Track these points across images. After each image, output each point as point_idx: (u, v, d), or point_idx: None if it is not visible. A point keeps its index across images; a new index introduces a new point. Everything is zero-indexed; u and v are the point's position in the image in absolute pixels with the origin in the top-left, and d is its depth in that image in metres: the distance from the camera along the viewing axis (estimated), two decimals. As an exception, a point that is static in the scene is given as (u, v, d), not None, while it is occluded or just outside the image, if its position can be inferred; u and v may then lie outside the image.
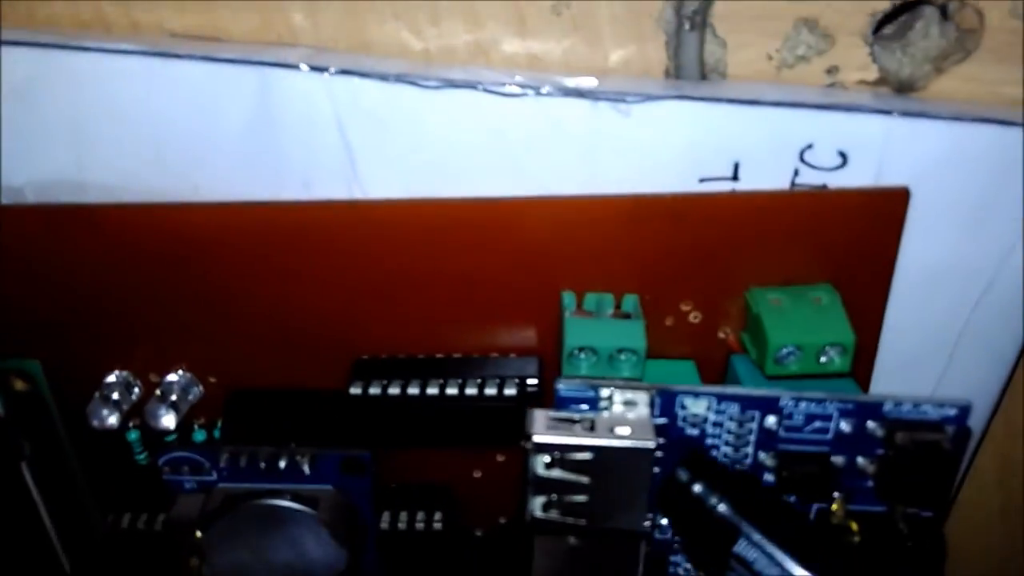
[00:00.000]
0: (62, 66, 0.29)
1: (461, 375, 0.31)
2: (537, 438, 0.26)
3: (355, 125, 0.29)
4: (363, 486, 0.31)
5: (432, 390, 0.31)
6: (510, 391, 0.31)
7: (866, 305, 0.30)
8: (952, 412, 0.27)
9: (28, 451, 0.31)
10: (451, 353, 0.33)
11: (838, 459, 0.27)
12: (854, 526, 0.28)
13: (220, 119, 0.29)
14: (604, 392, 0.27)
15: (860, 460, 0.28)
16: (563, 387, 0.27)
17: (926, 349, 0.32)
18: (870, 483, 0.28)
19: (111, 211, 0.30)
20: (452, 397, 0.31)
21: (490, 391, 0.31)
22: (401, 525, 0.34)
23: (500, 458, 0.35)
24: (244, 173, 0.30)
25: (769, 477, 0.28)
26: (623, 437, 0.26)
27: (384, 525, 0.34)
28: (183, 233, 0.30)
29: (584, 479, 0.26)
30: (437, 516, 0.34)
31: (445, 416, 0.31)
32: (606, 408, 0.27)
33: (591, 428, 0.26)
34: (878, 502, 0.28)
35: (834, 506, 0.28)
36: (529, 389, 0.31)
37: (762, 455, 0.28)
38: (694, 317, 0.31)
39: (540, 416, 0.26)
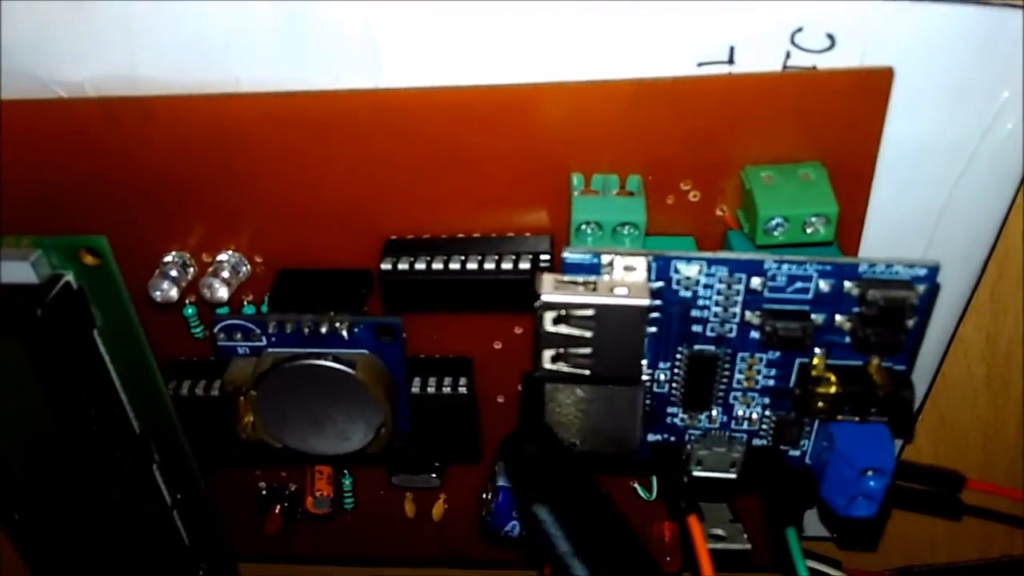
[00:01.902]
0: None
1: (480, 252, 0.35)
2: (545, 297, 0.29)
3: (380, 18, 0.32)
4: (395, 351, 0.35)
5: (454, 265, 0.34)
6: (524, 265, 0.34)
7: (853, 181, 0.33)
8: (922, 272, 0.29)
9: (99, 321, 0.35)
10: (471, 233, 0.36)
11: (818, 317, 0.30)
12: (832, 377, 0.31)
13: (256, 16, 0.32)
14: (606, 259, 0.30)
15: (838, 317, 0.30)
16: (569, 255, 0.30)
17: (911, 223, 0.35)
18: (847, 339, 0.31)
19: (162, 102, 0.33)
20: (472, 271, 0.34)
21: (506, 265, 0.34)
22: (430, 389, 0.38)
23: (518, 330, 0.38)
24: (280, 67, 0.33)
25: (755, 334, 0.31)
26: (620, 296, 0.29)
27: (414, 389, 0.38)
28: (226, 122, 0.33)
29: (587, 334, 0.30)
30: (462, 381, 0.38)
31: (466, 288, 0.35)
32: (607, 273, 0.30)
33: (593, 289, 0.29)
34: (854, 356, 0.31)
35: (815, 360, 0.31)
36: (541, 264, 0.34)
37: (748, 314, 0.31)
38: (693, 196, 0.34)
39: (548, 279, 0.30)
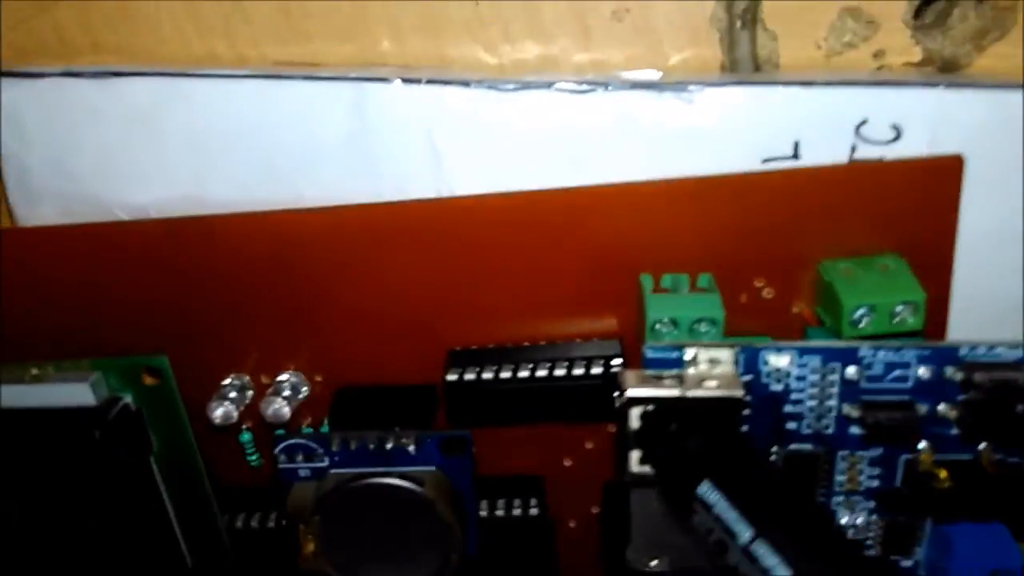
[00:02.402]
0: (181, 92, 0.32)
1: (548, 359, 0.33)
2: (630, 392, 0.28)
3: (442, 130, 0.32)
4: (464, 465, 0.33)
5: (523, 373, 0.33)
6: (596, 370, 0.33)
7: (933, 270, 0.32)
8: (1028, 353, 0.28)
9: (156, 446, 0.33)
10: (536, 342, 0.35)
11: (921, 407, 0.29)
12: (942, 473, 0.29)
13: (322, 132, 0.32)
14: (689, 353, 0.29)
15: (941, 407, 0.29)
16: (650, 349, 0.29)
17: (998, 309, 0.33)
18: (953, 430, 0.29)
19: (227, 220, 0.33)
20: (542, 379, 0.33)
21: (577, 371, 0.33)
22: (499, 512, 0.36)
23: (589, 445, 0.36)
24: (344, 181, 0.33)
25: (855, 429, 0.29)
26: (711, 388, 0.27)
27: (482, 513, 0.35)
28: (287, 237, 0.33)
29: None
30: (532, 502, 0.36)
31: (537, 396, 0.33)
32: (691, 368, 0.29)
33: (681, 382, 0.28)
34: (963, 449, 0.29)
35: (922, 455, 0.29)
36: (613, 368, 0.33)
37: (846, 407, 0.29)
38: (767, 293, 0.33)
39: (631, 374, 0.28)
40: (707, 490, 0.25)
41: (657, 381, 0.28)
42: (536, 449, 0.37)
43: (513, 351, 0.34)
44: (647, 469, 0.28)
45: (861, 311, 0.30)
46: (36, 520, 0.32)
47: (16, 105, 0.33)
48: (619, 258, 0.33)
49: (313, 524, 0.33)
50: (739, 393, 0.27)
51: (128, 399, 0.32)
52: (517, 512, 0.36)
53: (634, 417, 0.28)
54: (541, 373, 0.33)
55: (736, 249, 0.32)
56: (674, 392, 0.27)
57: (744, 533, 0.24)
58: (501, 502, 0.36)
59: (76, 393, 0.31)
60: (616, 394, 0.30)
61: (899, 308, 0.30)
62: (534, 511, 0.36)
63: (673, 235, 0.32)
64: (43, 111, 0.33)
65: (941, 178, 0.31)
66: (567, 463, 0.37)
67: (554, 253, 0.33)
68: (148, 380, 0.32)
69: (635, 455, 0.28)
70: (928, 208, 0.31)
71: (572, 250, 0.33)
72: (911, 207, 0.31)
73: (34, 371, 0.32)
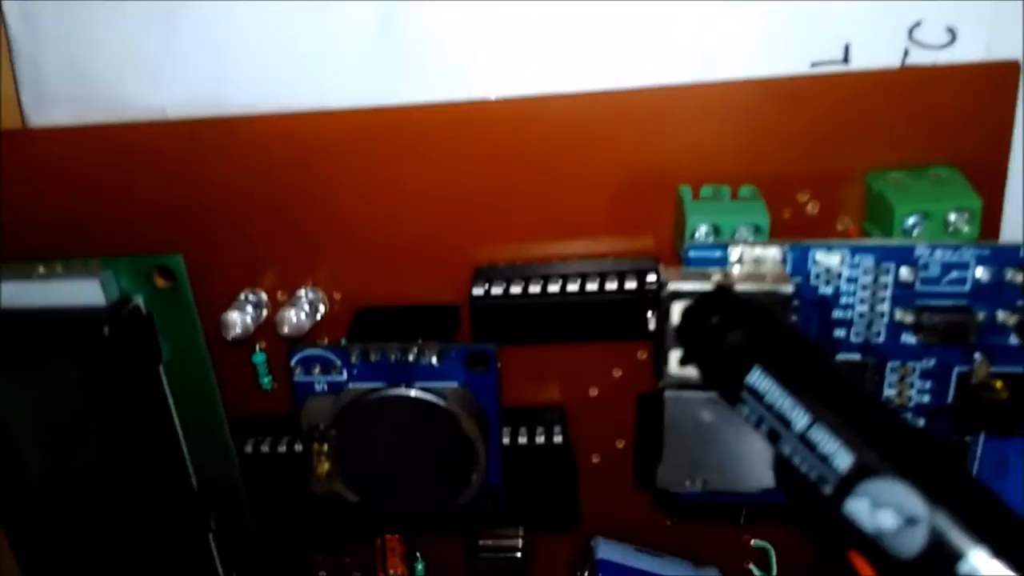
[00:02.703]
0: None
1: (579, 276, 0.32)
2: (672, 285, 0.26)
3: (472, 30, 0.31)
4: (488, 382, 0.32)
5: (553, 288, 0.31)
6: (630, 284, 0.31)
7: (987, 182, 0.30)
8: (1095, 253, 0.26)
9: (167, 354, 0.32)
10: (567, 260, 0.33)
11: (978, 313, 0.27)
12: (998, 384, 0.27)
13: (347, 32, 0.31)
14: (734, 251, 0.27)
15: (1000, 313, 0.27)
16: (692, 248, 0.27)
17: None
18: (1011, 339, 0.27)
19: (248, 122, 0.31)
20: (573, 294, 0.31)
21: (610, 286, 0.31)
22: (521, 439, 0.34)
23: (616, 373, 0.35)
24: (369, 83, 0.32)
25: (908, 338, 0.28)
26: (760, 282, 0.26)
27: (505, 440, 0.34)
28: (311, 141, 0.31)
29: (721, 330, 0.26)
30: (556, 430, 0.34)
31: (566, 313, 0.31)
32: (737, 266, 0.27)
33: (726, 277, 0.26)
34: (1020, 360, 0.28)
35: (977, 366, 0.28)
36: (648, 285, 0.31)
37: (899, 312, 0.27)
38: (812, 208, 0.31)
39: (674, 270, 0.27)
40: (758, 377, 0.23)
41: (701, 275, 0.26)
42: (561, 378, 0.35)
43: (542, 267, 0.33)
44: (686, 372, 0.27)
45: (914, 218, 0.28)
46: (36, 426, 0.31)
47: (29, 2, 0.32)
48: (657, 168, 0.31)
49: (329, 440, 0.31)
50: (789, 288, 0.26)
51: (139, 301, 0.31)
52: (540, 440, 0.34)
53: (675, 313, 0.26)
54: (572, 288, 0.31)
55: (780, 159, 0.31)
56: (719, 285, 0.26)
57: (800, 419, 0.22)
58: (523, 430, 0.34)
59: (85, 291, 0.30)
60: (654, 288, 0.29)
61: (953, 215, 0.28)
62: (557, 439, 0.34)
63: (714, 143, 0.31)
64: (57, 7, 0.32)
65: (997, 85, 0.30)
66: (592, 392, 0.35)
67: (589, 162, 0.31)
68: (161, 282, 0.31)
69: (675, 355, 0.27)
70: (983, 116, 0.30)
71: (607, 159, 0.31)
72: (965, 115, 0.30)
73: (41, 269, 0.30)
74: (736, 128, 0.31)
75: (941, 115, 0.30)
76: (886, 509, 0.20)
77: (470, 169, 0.32)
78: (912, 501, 0.20)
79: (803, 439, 0.22)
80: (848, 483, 0.21)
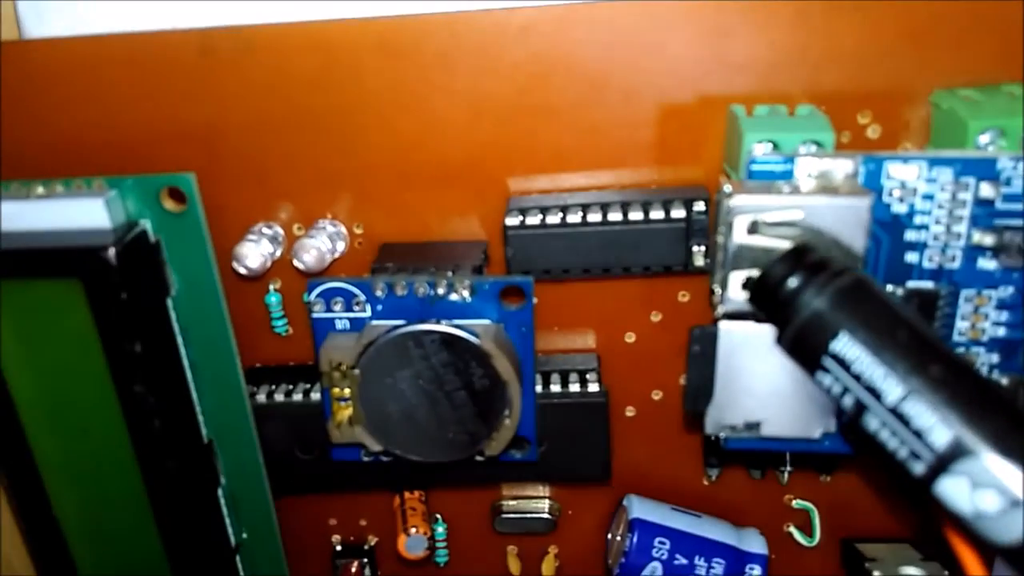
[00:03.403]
0: None
1: (622, 204, 0.30)
2: (736, 200, 0.24)
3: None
4: (523, 318, 0.29)
5: (594, 216, 0.29)
6: (677, 213, 0.29)
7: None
8: None
9: (176, 287, 0.29)
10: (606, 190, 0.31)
11: (1064, 234, 0.25)
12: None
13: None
14: (802, 164, 0.25)
15: (1090, 235, 0.25)
16: (755, 162, 0.25)
17: None
18: (1101, 265, 0.25)
19: (264, 32, 0.29)
20: (616, 222, 0.29)
21: (656, 214, 0.29)
22: (554, 387, 0.32)
23: (655, 317, 0.32)
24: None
25: (986, 263, 0.25)
26: (836, 193, 0.24)
27: (537, 388, 0.31)
28: (333, 53, 0.29)
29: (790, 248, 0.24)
30: (591, 378, 0.32)
31: (609, 242, 0.29)
32: (805, 180, 0.25)
33: (797, 190, 0.24)
34: (1110, 291, 0.25)
35: (1062, 294, 0.25)
36: (696, 214, 0.29)
37: (977, 234, 0.25)
38: (873, 131, 0.29)
39: (737, 183, 0.24)
40: (845, 344, 0.21)
41: (767, 188, 0.24)
42: (596, 322, 0.33)
43: (582, 197, 0.30)
44: (746, 304, 0.24)
45: (988, 135, 0.26)
46: (38, 358, 0.28)
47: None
48: (705, 87, 0.29)
49: (351, 381, 0.29)
50: (868, 200, 0.23)
51: (147, 226, 0.28)
52: (574, 388, 0.32)
53: (739, 230, 0.24)
54: (614, 217, 0.29)
55: (838, 77, 0.29)
56: (792, 199, 0.23)
57: (892, 391, 0.20)
58: (556, 377, 0.32)
59: (88, 213, 0.27)
60: (702, 217, 0.26)
61: (1033, 132, 0.26)
62: (593, 386, 0.32)
63: (767, 59, 0.29)
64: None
65: (1076, -4, 0.28)
66: (629, 339, 0.33)
67: (632, 80, 0.29)
68: (170, 204, 0.28)
69: (735, 279, 0.24)
70: (1060, 31, 0.28)
71: (652, 76, 0.29)
72: (1041, 29, 0.28)
73: (40, 189, 0.28)
74: (791, 42, 0.28)
75: (1013, 27, 0.28)
76: (987, 490, 0.18)
77: (502, 87, 0.29)
78: (1018, 483, 0.17)
79: (895, 412, 0.20)
80: (945, 461, 0.19)
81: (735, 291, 0.24)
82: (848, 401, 0.21)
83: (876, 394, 0.21)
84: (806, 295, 0.22)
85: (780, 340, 0.23)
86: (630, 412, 0.34)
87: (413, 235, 0.32)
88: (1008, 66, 0.28)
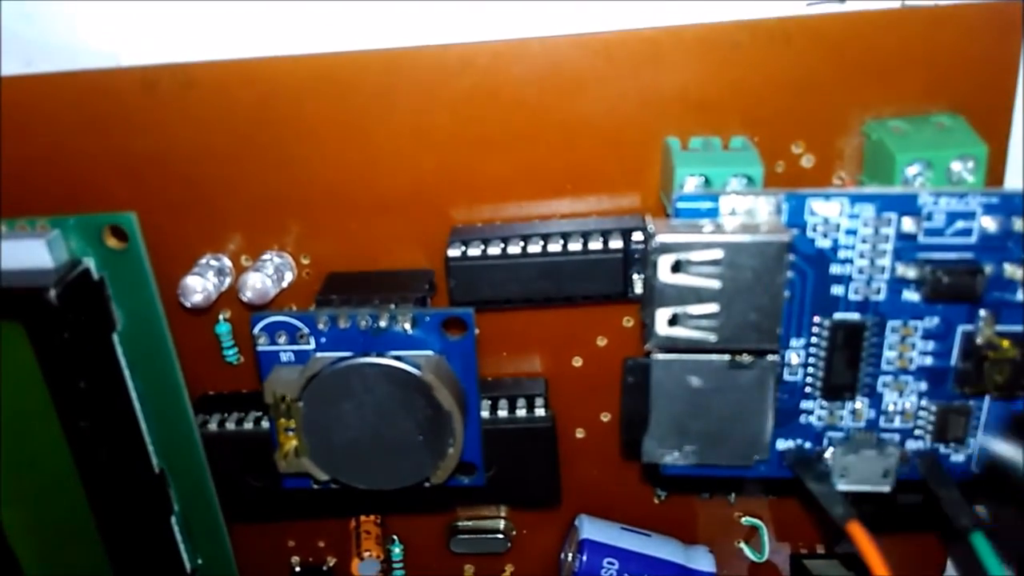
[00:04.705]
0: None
1: (562, 234, 0.30)
2: (660, 238, 0.24)
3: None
4: (465, 349, 0.30)
5: (534, 248, 0.30)
6: (615, 243, 0.29)
7: (991, 129, 0.29)
8: (1109, 200, 0.24)
9: (121, 324, 0.30)
10: (547, 220, 0.31)
11: (986, 267, 0.25)
12: (1005, 343, 0.26)
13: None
14: (726, 202, 0.25)
15: (1008, 267, 0.25)
16: (681, 199, 0.25)
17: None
18: (1020, 295, 0.26)
19: (205, 69, 0.29)
20: (556, 253, 0.29)
21: (594, 245, 0.29)
22: (501, 412, 0.32)
23: (601, 342, 0.33)
24: (333, 27, 0.30)
25: (909, 294, 0.26)
26: (756, 232, 0.24)
27: (485, 414, 0.32)
28: (274, 88, 0.29)
29: (712, 284, 0.24)
30: (538, 403, 0.33)
31: (548, 273, 0.30)
32: (729, 217, 0.25)
33: (719, 228, 0.24)
34: (1030, 317, 0.26)
35: (983, 324, 0.26)
36: (634, 244, 0.29)
37: (901, 267, 0.26)
38: (807, 161, 0.30)
39: (661, 222, 0.25)
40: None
41: (691, 227, 0.24)
42: (543, 347, 0.33)
43: (523, 227, 0.31)
44: (675, 333, 0.25)
45: (915, 167, 0.27)
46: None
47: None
48: (642, 119, 0.30)
49: (296, 413, 0.29)
50: (785, 238, 0.24)
51: (90, 264, 0.29)
52: (521, 413, 0.32)
53: (663, 268, 0.24)
54: (553, 248, 0.30)
55: (773, 108, 0.29)
56: (713, 237, 0.24)
57: None
58: (504, 403, 0.33)
59: (30, 253, 0.28)
60: (641, 246, 0.27)
61: (957, 164, 0.27)
62: (540, 411, 0.32)
63: (703, 92, 0.29)
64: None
65: (1000, 26, 0.28)
66: (576, 363, 0.33)
67: (570, 112, 0.30)
68: (113, 242, 0.29)
69: (662, 315, 0.25)
70: (986, 59, 0.28)
71: (589, 109, 0.30)
72: (967, 58, 0.28)
73: (-17, 229, 0.28)
74: (727, 72, 0.29)
75: (942, 58, 0.28)
76: None
77: (443, 121, 0.30)
78: None
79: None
80: None
81: (662, 327, 0.25)
82: None
83: None
84: None
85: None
86: (580, 434, 0.35)
87: (360, 264, 0.32)
88: (938, 97, 0.29)
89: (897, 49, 0.28)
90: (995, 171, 0.29)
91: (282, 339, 0.30)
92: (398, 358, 0.29)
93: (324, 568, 0.38)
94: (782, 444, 0.28)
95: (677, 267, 0.24)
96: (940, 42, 0.28)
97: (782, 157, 0.30)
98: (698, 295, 0.24)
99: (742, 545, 0.36)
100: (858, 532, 0.24)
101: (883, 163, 0.27)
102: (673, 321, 0.25)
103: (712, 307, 0.24)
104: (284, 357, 0.30)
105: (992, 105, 0.29)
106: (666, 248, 0.24)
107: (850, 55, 0.28)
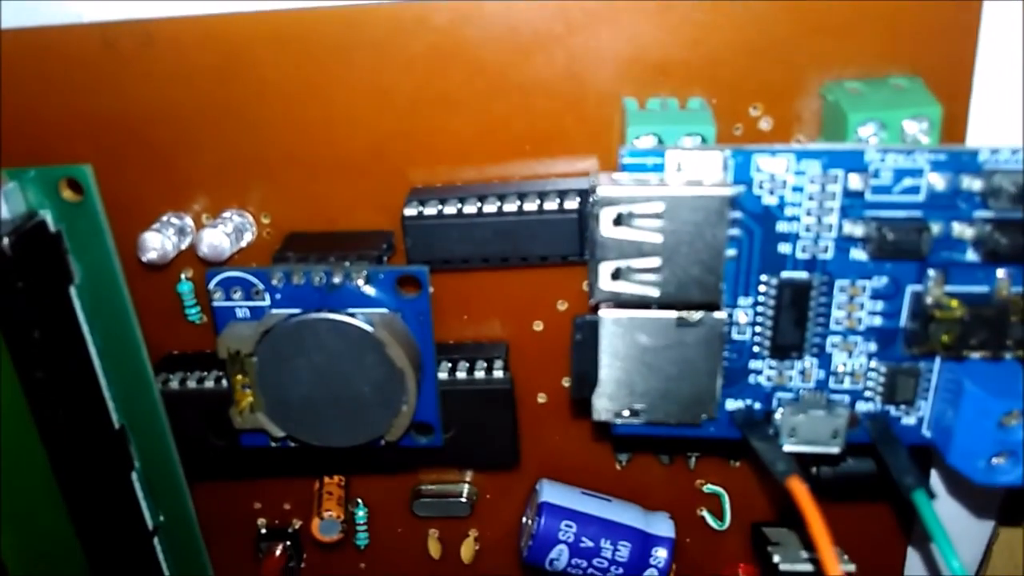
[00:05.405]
0: None
1: (518, 194, 0.30)
2: (602, 191, 0.24)
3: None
4: (420, 307, 0.30)
5: (490, 208, 0.30)
6: (571, 204, 0.29)
7: (951, 92, 0.28)
8: (1057, 158, 0.24)
9: (79, 277, 0.30)
10: (506, 181, 0.31)
11: (933, 226, 0.25)
12: (954, 303, 0.25)
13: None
14: (672, 157, 0.25)
15: (956, 226, 0.25)
16: (628, 154, 0.25)
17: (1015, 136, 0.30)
18: (967, 254, 0.25)
19: (164, 26, 0.29)
20: (511, 213, 0.30)
21: (550, 205, 0.29)
22: (459, 374, 0.32)
23: (562, 306, 0.33)
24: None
25: (858, 253, 0.26)
26: (697, 186, 0.24)
27: (441, 375, 0.32)
28: (234, 46, 0.30)
29: (655, 239, 0.24)
30: (498, 365, 0.33)
31: (504, 232, 0.30)
32: (675, 173, 0.25)
33: (662, 182, 0.24)
34: (976, 279, 0.26)
35: (932, 284, 0.26)
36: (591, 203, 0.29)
37: (848, 225, 0.25)
38: (765, 123, 0.30)
39: (606, 176, 0.25)
40: None
41: (635, 181, 0.24)
42: (503, 311, 0.33)
43: (481, 188, 0.31)
44: (619, 288, 0.25)
45: (869, 127, 0.26)
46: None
47: None
48: (602, 79, 0.29)
49: (249, 368, 0.30)
50: (728, 191, 0.24)
51: (47, 217, 0.29)
52: (479, 375, 0.32)
53: (605, 222, 0.24)
54: (509, 208, 0.30)
55: (732, 69, 0.29)
56: (654, 191, 0.24)
57: None
58: (463, 365, 0.33)
59: (-14, 204, 0.28)
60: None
61: (912, 124, 0.26)
62: (497, 373, 0.32)
63: (662, 52, 0.29)
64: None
65: (961, -13, 0.28)
66: (537, 327, 0.33)
67: (529, 73, 0.30)
68: (69, 194, 0.29)
69: (606, 268, 0.25)
70: (945, 19, 0.28)
71: (549, 71, 0.29)
72: (927, 19, 0.28)
73: (-60, 180, 0.28)
74: (684, 35, 0.29)
75: (901, 20, 0.28)
76: None
77: (401, 81, 0.30)
78: None
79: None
80: None
81: (604, 281, 0.25)
82: None
83: None
84: None
85: None
86: (542, 398, 0.35)
87: (320, 225, 0.32)
88: (897, 58, 0.29)
89: (856, 10, 0.28)
90: (956, 133, 0.29)
91: (237, 295, 0.30)
92: (351, 315, 0.29)
93: (290, 530, 0.38)
94: (732, 404, 0.28)
95: (619, 220, 0.24)
96: (899, 3, 0.28)
97: (740, 120, 0.30)
98: (640, 249, 0.24)
99: (704, 513, 0.36)
100: (798, 488, 0.24)
101: (838, 124, 0.27)
102: (616, 275, 0.25)
103: (654, 261, 0.24)
104: (240, 313, 0.30)
105: (952, 66, 0.28)
106: (608, 201, 0.24)
107: (809, 16, 0.28)
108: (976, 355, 0.26)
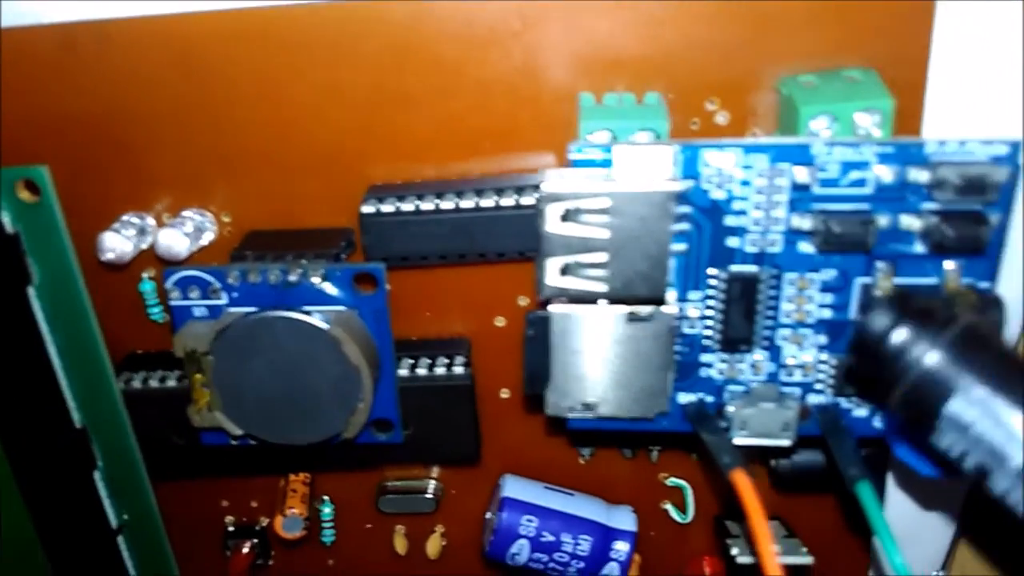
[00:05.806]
0: None
1: (476, 192, 0.30)
2: (547, 187, 0.24)
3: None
4: (377, 304, 0.30)
5: (447, 204, 0.30)
6: (527, 200, 0.29)
7: (905, 86, 0.28)
8: (1003, 150, 0.24)
9: (38, 278, 0.30)
10: (464, 177, 0.31)
11: (881, 219, 0.25)
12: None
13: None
14: (620, 152, 0.25)
15: (904, 218, 0.25)
16: (576, 150, 0.25)
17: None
18: (915, 246, 0.26)
19: (121, 25, 0.29)
20: (469, 209, 0.30)
21: (506, 201, 0.29)
22: (420, 371, 0.32)
23: (523, 301, 0.33)
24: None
25: (806, 246, 0.26)
26: (643, 181, 0.24)
27: (402, 371, 0.32)
28: (191, 45, 0.30)
29: (602, 234, 0.24)
30: (459, 361, 0.33)
31: (462, 229, 0.30)
32: (623, 167, 0.25)
33: (608, 178, 0.24)
34: (925, 271, 0.26)
35: (880, 277, 0.26)
36: (548, 201, 0.29)
37: (796, 218, 0.26)
38: (721, 117, 0.30)
39: (554, 172, 0.25)
40: (960, 406, 0.20)
41: (581, 177, 0.25)
42: (465, 308, 0.33)
43: (439, 185, 0.31)
44: (565, 284, 0.25)
45: (821, 120, 0.27)
46: None
47: None
48: (558, 75, 0.30)
49: (206, 366, 0.30)
50: (674, 187, 0.24)
51: (5, 218, 0.29)
52: (440, 371, 0.32)
53: (551, 217, 0.24)
54: (466, 204, 0.30)
55: (687, 64, 0.29)
56: (600, 187, 0.24)
57: (1019, 455, 0.19)
58: (424, 361, 0.33)
59: (-60, 205, 0.28)
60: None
61: (864, 117, 0.27)
62: (458, 369, 0.32)
63: (618, 48, 0.29)
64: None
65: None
66: (499, 323, 0.33)
67: (486, 69, 0.30)
68: (26, 196, 0.29)
69: (553, 264, 0.25)
70: (900, 12, 0.28)
71: (505, 66, 0.30)
72: (881, 11, 0.28)
73: None
74: (640, 31, 0.29)
75: (856, 13, 0.28)
76: None
77: (359, 78, 0.30)
78: None
79: None
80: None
81: (552, 277, 0.25)
82: (971, 463, 0.21)
83: (1000, 458, 0.20)
84: (914, 350, 0.21)
85: (888, 403, 0.22)
86: (505, 394, 0.35)
87: (281, 223, 0.32)
88: (852, 52, 0.29)
89: (810, 4, 0.28)
90: (911, 127, 0.29)
91: (195, 294, 0.30)
92: (308, 313, 0.29)
93: (257, 528, 0.38)
94: (684, 398, 0.28)
95: (567, 216, 0.24)
96: (852, -2, 0.28)
97: (697, 114, 0.30)
98: (587, 245, 0.24)
99: (668, 506, 0.36)
100: (741, 481, 0.24)
101: (791, 118, 0.27)
102: (565, 271, 0.25)
103: (601, 256, 0.25)
104: (198, 312, 0.30)
105: (906, 59, 0.28)
106: (553, 197, 0.24)
107: (764, 10, 0.28)
108: (924, 347, 0.26)
